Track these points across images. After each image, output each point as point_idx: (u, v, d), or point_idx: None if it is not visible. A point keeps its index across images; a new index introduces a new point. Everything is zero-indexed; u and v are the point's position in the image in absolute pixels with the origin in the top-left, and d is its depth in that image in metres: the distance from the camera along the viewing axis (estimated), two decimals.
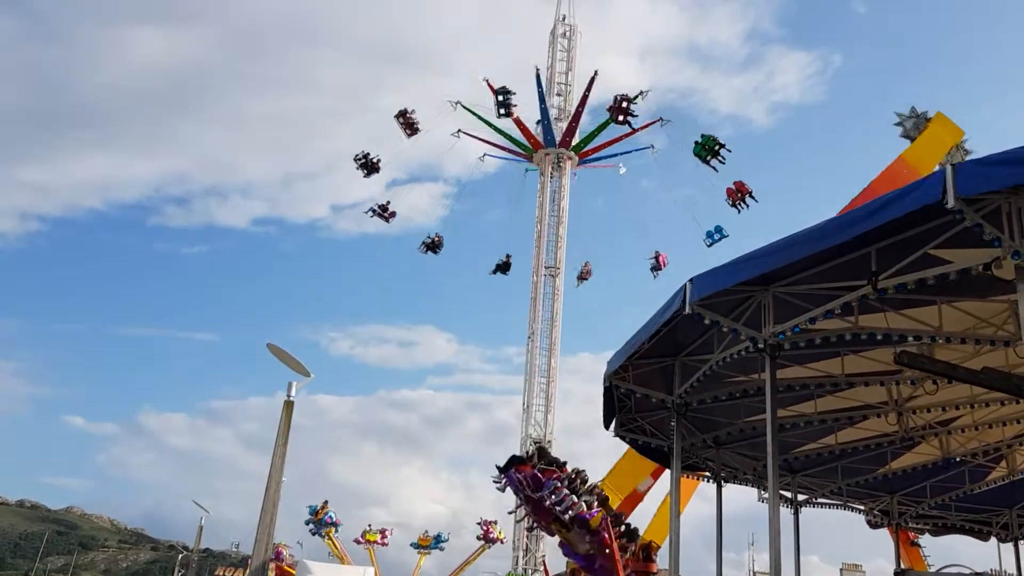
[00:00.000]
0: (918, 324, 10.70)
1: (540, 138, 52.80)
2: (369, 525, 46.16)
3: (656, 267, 49.16)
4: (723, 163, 43.91)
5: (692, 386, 12.50)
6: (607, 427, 14.88)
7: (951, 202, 6.91)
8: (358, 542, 44.42)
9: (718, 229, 42.72)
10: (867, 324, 10.64)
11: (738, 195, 43.57)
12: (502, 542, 45.13)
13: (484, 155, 55.37)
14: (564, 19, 56.40)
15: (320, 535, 42.84)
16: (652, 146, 52.85)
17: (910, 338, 10.78)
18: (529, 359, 50.85)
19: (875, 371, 13.06)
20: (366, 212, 51.36)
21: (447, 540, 47.24)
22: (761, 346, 9.99)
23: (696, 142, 41.55)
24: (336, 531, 43.11)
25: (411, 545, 46.73)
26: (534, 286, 51.86)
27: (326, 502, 43.60)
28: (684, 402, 13.14)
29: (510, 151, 54.57)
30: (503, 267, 51.63)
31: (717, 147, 43.46)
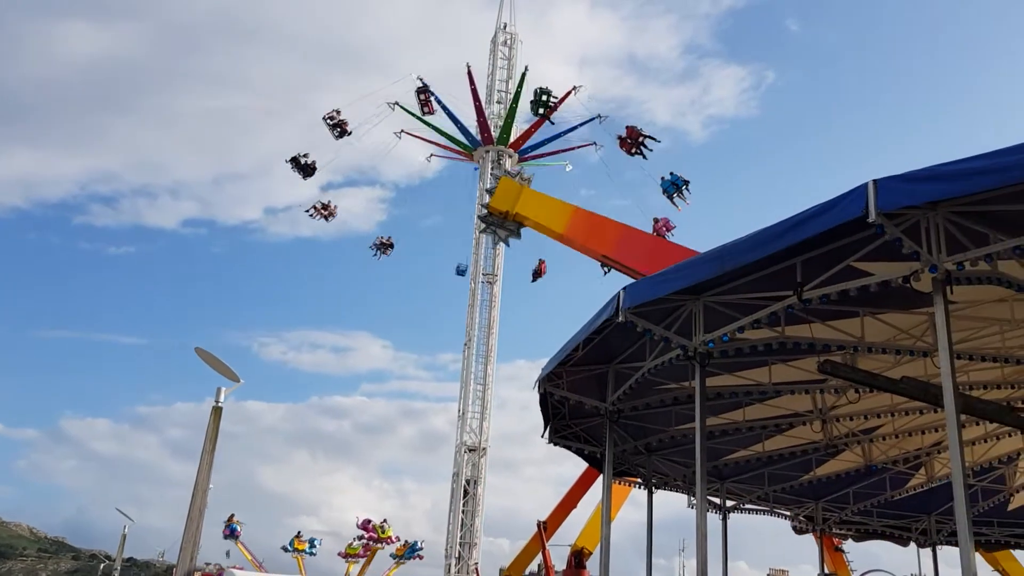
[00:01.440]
0: (842, 334, 11.01)
1: (478, 136, 53.11)
2: (299, 533, 46.20)
3: (659, 234, 48.60)
4: (651, 151, 44.41)
5: (625, 393, 12.64)
6: (548, 434, 14.98)
7: (872, 216, 7.13)
8: (286, 550, 44.27)
9: (673, 176, 42.46)
10: (793, 334, 10.92)
11: (629, 142, 44.05)
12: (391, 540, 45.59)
13: (431, 155, 55.43)
14: (505, 27, 56.73)
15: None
16: (595, 143, 53.45)
17: (834, 348, 11.09)
18: (465, 366, 50.75)
19: (801, 380, 13.39)
20: (307, 211, 50.89)
21: (422, 548, 47.21)
22: (691, 354, 10.15)
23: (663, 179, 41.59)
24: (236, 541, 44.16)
25: (390, 556, 46.75)
26: (472, 293, 51.82)
27: (232, 515, 44.65)
28: (617, 409, 13.27)
29: (451, 150, 54.73)
30: (537, 273, 52.16)
31: (643, 138, 44.04)
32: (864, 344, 11.02)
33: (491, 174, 51.36)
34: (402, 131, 53.42)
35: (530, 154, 54.12)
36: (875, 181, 7.20)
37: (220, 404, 17.12)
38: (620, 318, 10.14)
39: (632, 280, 22.86)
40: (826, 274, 8.48)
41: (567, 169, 55.34)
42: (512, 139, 52.72)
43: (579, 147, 54.18)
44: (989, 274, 8.37)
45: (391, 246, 52.66)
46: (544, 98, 48.26)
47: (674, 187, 40.43)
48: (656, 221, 45.02)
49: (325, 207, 50.79)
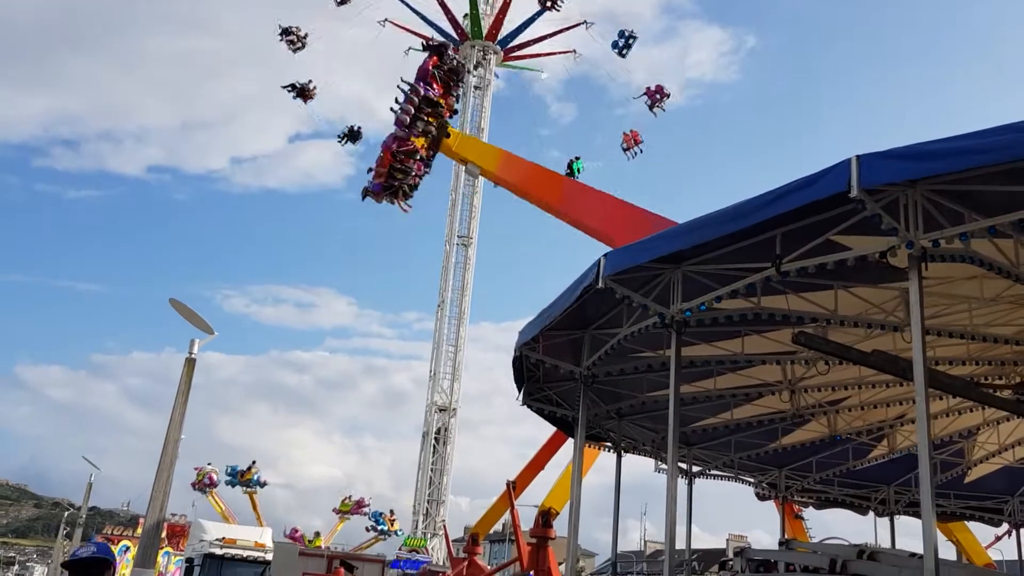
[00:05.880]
0: (816, 307, 11.20)
1: (468, 30, 52.60)
2: (253, 462, 45.34)
3: (627, 147, 48.94)
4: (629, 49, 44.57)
5: (600, 359, 12.78)
6: (521, 397, 15.14)
7: (855, 192, 7.25)
8: (232, 484, 43.76)
9: (621, 34, 42.64)
10: (769, 305, 11.10)
11: (658, 97, 44.62)
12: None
13: (408, 48, 54.39)
14: None
15: (206, 492, 42.54)
16: (575, 50, 53.34)
17: (808, 320, 11.29)
18: (438, 327, 50.90)
19: (773, 351, 13.63)
20: (285, 87, 49.02)
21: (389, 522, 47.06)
22: (668, 322, 10.29)
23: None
24: (258, 491, 43.17)
25: (396, 533, 46.55)
26: (446, 255, 51.79)
27: (254, 462, 43.78)
28: (591, 374, 13.42)
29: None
30: (351, 136, 50.35)
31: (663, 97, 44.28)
32: (836, 317, 11.22)
33: (472, 74, 50.83)
34: (386, 20, 52.76)
35: (514, 54, 53.77)
36: (858, 157, 7.31)
37: (194, 356, 17.13)
38: (600, 284, 10.24)
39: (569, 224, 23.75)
40: (805, 247, 8.62)
41: (542, 77, 55.34)
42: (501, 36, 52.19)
43: (560, 52, 53.96)
44: (963, 252, 8.54)
45: (359, 136, 51.03)
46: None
47: (623, 41, 40.72)
48: (626, 135, 46.00)
49: (304, 88, 48.91)
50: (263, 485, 44.58)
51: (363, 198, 26.60)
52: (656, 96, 45.11)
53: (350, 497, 48.29)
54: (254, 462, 44.89)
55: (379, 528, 45.68)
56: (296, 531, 44.22)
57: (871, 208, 7.45)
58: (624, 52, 42.80)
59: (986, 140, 6.79)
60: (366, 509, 47.94)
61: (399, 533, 45.45)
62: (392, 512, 46.30)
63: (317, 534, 43.56)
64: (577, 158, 47.79)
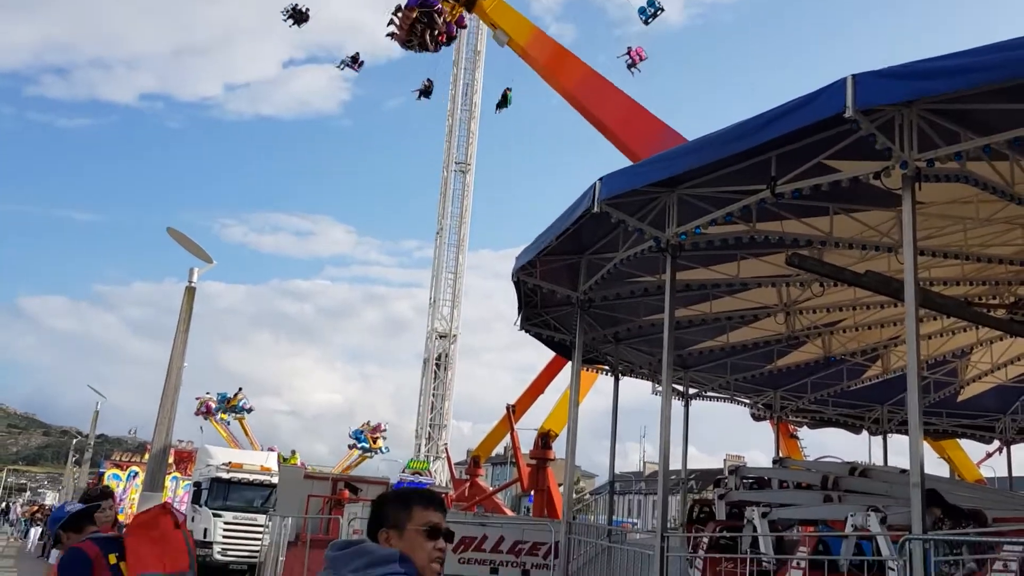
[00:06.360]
0: (811, 230, 11.22)
1: None
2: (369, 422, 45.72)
3: (632, 64, 48.70)
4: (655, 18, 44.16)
5: (596, 283, 12.86)
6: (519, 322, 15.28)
7: (849, 112, 7.20)
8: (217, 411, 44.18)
9: (651, 3, 42.43)
10: (764, 228, 11.12)
11: (638, 58, 44.38)
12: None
13: None
14: None
15: (221, 421, 43.07)
16: None
17: (803, 243, 11.33)
18: (437, 255, 50.95)
19: (769, 274, 13.69)
20: (338, 66, 48.91)
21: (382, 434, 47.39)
22: (664, 246, 10.33)
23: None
24: (247, 416, 43.65)
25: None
26: (444, 181, 51.49)
27: (240, 389, 44.13)
28: (588, 298, 13.53)
29: None
30: (425, 92, 50.26)
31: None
32: (832, 239, 11.25)
33: None
34: None
35: None
36: (854, 76, 7.24)
37: (193, 285, 17.22)
38: (596, 209, 10.25)
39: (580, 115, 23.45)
40: (799, 169, 8.60)
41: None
42: None
43: None
44: (957, 172, 8.53)
45: (361, 63, 50.64)
46: None
47: (651, 11, 40.30)
48: (630, 49, 45.63)
49: (354, 59, 48.93)
50: (249, 411, 45.30)
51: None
52: (637, 58, 44.87)
53: (368, 423, 48.95)
54: (240, 389, 45.57)
55: (360, 445, 46.32)
56: (272, 449, 45.03)
57: (866, 128, 7.42)
58: (649, 20, 41.86)
59: (983, 58, 6.72)
60: (384, 434, 48.57)
61: (384, 451, 46.19)
62: (375, 429, 46.80)
63: (293, 452, 44.43)
64: (509, 89, 48.06)
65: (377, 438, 45.11)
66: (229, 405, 43.73)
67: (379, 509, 2.95)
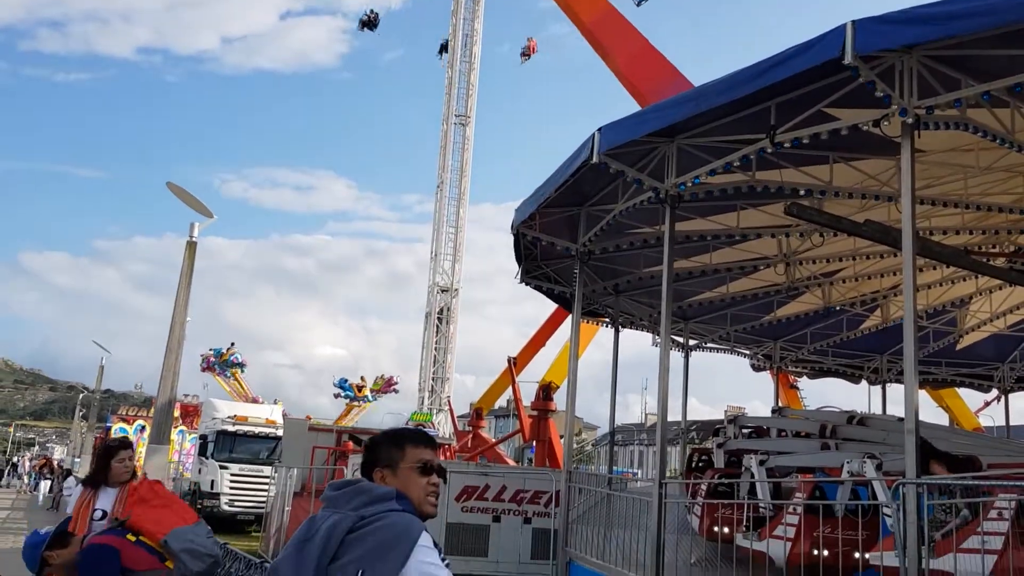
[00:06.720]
0: (811, 179, 11.19)
1: None
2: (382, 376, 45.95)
3: (525, 53, 49.34)
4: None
5: (596, 235, 12.87)
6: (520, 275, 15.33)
7: (848, 58, 7.15)
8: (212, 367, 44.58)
9: None
10: (764, 178, 11.09)
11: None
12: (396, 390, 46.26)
13: None
14: None
15: (226, 375, 43.36)
16: None
17: (803, 192, 11.31)
18: (438, 208, 50.81)
19: (769, 224, 13.69)
20: (360, 28, 48.91)
21: (398, 383, 47.59)
22: (663, 196, 10.32)
23: None
24: (242, 371, 43.81)
25: (369, 390, 47.23)
26: (444, 135, 51.11)
27: (232, 344, 44.22)
28: (588, 250, 13.55)
29: None
30: (369, 23, 50.23)
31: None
32: (832, 189, 11.22)
33: None
34: None
35: None
36: (854, 22, 7.17)
37: (194, 239, 17.25)
38: (595, 159, 10.22)
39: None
40: (799, 117, 8.56)
41: None
42: None
43: None
44: (957, 119, 8.48)
45: (376, 23, 50.69)
46: None
47: None
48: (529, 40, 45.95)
49: (371, 18, 48.76)
50: (242, 366, 45.58)
51: None
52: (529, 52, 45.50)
53: (382, 376, 49.20)
54: (232, 344, 45.90)
55: (345, 394, 46.59)
56: (257, 400, 45.32)
57: (865, 76, 7.36)
58: (641, 3, 41.35)
59: (983, 2, 6.65)
60: (396, 387, 48.80)
61: (370, 398, 46.45)
62: (388, 383, 47.05)
63: (276, 401, 44.72)
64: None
65: (363, 387, 45.32)
66: (221, 360, 44.01)
67: (373, 450, 3.04)
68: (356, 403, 45.54)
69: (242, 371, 44.32)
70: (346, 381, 45.55)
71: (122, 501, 6.28)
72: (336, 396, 46.47)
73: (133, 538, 5.47)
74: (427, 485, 2.96)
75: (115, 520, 5.71)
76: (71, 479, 29.39)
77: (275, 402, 38.79)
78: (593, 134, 10.30)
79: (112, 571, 5.21)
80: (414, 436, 3.06)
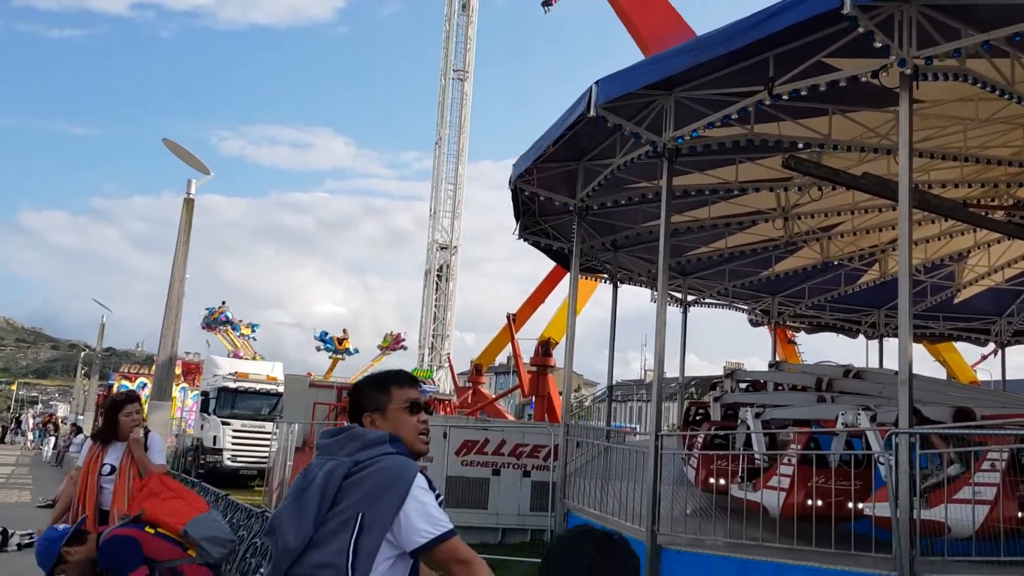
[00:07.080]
0: (810, 132, 11.14)
1: None
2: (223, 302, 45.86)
3: (547, 2, 48.11)
4: None
5: (594, 190, 12.83)
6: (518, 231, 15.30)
7: (847, 8, 7.07)
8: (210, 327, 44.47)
9: None
10: (762, 131, 11.03)
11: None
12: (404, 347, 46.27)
13: None
14: None
15: (234, 329, 43.52)
16: None
17: (801, 145, 11.25)
18: (436, 165, 50.52)
19: (767, 178, 13.63)
20: (544, 8, 47.78)
21: (405, 340, 47.52)
22: (660, 150, 10.28)
23: None
24: (234, 329, 43.91)
25: (377, 347, 47.14)
26: (442, 90, 50.64)
27: (223, 303, 44.31)
28: (585, 206, 13.52)
29: None
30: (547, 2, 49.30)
31: None
32: (830, 141, 11.16)
33: None
34: None
35: None
36: None
37: (191, 196, 17.20)
38: (592, 113, 10.15)
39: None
40: (797, 69, 8.49)
41: None
42: None
43: None
44: (956, 70, 8.40)
45: None
46: None
47: None
48: None
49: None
50: (234, 324, 45.63)
51: None
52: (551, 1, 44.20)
53: (390, 333, 49.36)
54: (223, 302, 45.90)
55: (326, 347, 46.67)
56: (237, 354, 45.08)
57: (864, 25, 7.29)
58: None
59: None
60: (404, 344, 48.93)
61: (353, 351, 46.51)
62: (396, 340, 47.12)
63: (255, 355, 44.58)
64: None
65: (343, 339, 45.30)
66: (211, 318, 44.05)
67: (358, 395, 3.09)
68: (339, 356, 45.56)
69: (234, 329, 44.35)
70: (327, 334, 45.46)
71: (127, 455, 6.37)
72: (317, 350, 46.57)
73: (151, 530, 5.54)
74: (417, 423, 3.02)
75: (126, 516, 5.77)
76: (80, 436, 29.59)
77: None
78: (590, 87, 10.22)
79: (135, 561, 5.28)
80: (397, 377, 3.12)
